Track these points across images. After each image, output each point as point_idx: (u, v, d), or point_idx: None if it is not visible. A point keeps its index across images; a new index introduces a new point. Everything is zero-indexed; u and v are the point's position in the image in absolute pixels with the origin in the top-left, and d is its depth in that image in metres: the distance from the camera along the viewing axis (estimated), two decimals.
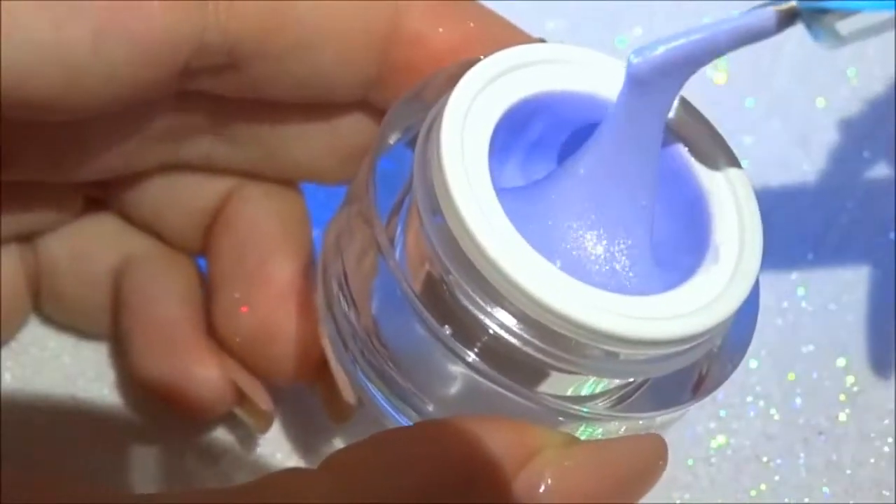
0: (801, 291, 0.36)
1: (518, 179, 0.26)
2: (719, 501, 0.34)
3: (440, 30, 0.27)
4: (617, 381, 0.26)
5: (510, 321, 0.23)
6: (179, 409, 0.31)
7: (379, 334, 0.26)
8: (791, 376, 0.35)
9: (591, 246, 0.25)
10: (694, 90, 0.38)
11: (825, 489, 0.34)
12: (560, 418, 0.25)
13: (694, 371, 0.26)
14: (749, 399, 0.35)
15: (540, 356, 0.24)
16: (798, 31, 0.39)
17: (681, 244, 0.25)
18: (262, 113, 0.29)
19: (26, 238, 0.31)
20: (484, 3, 0.28)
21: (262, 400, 0.31)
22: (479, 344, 0.24)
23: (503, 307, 0.23)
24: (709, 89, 0.38)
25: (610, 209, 0.25)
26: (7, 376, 0.33)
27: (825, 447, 0.34)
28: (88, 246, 0.32)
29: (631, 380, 0.26)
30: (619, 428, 0.26)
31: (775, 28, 0.23)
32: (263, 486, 0.22)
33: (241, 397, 0.31)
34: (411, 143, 0.25)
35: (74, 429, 0.33)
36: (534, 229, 0.24)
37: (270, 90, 0.28)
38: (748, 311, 0.25)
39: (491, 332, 0.24)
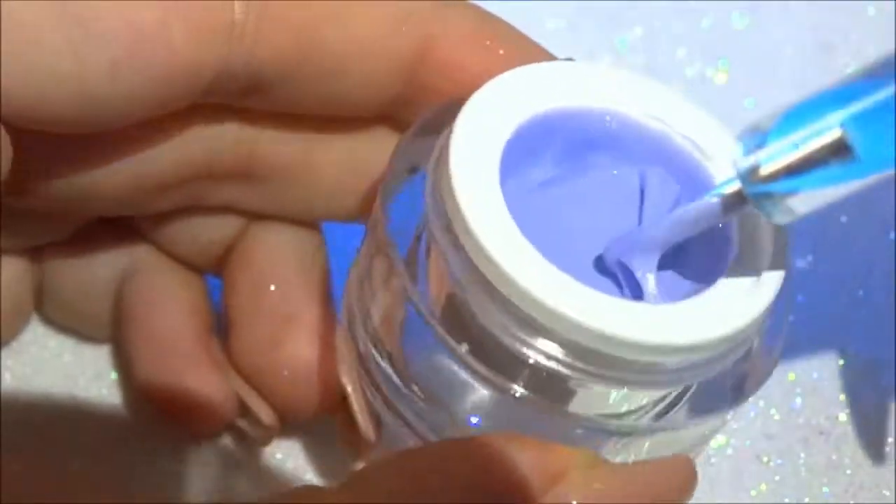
0: (800, 292, 0.36)
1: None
2: (719, 501, 0.34)
3: (470, 61, 0.27)
4: (653, 395, 0.25)
5: (553, 349, 0.23)
6: (181, 421, 0.31)
7: (407, 370, 0.25)
8: (791, 376, 0.35)
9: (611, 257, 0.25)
10: (694, 90, 0.38)
11: (825, 489, 0.34)
12: (598, 436, 0.24)
13: (735, 373, 0.25)
14: (749, 399, 0.34)
15: (584, 377, 0.23)
16: (797, 31, 0.39)
17: (703, 250, 0.25)
18: (288, 156, 0.29)
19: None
20: (484, 3, 0.28)
21: (265, 413, 0.31)
22: (512, 370, 0.24)
23: (543, 336, 0.23)
24: (709, 89, 0.38)
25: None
26: (7, 376, 0.33)
27: (825, 447, 0.34)
28: (93, 253, 0.32)
29: (667, 392, 0.26)
30: (663, 443, 0.25)
31: (723, 215, 0.23)
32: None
33: (244, 410, 0.31)
34: (422, 174, 0.25)
35: (74, 429, 0.33)
36: (549, 240, 0.24)
37: (291, 107, 0.28)
38: (779, 304, 0.25)
39: (531, 361, 0.23)
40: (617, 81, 0.26)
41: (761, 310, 0.24)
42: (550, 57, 0.28)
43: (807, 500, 0.34)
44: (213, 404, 0.31)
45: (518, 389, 0.23)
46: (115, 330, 0.33)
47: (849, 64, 0.39)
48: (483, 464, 0.22)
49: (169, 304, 0.31)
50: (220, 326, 0.32)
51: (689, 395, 0.26)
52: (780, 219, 0.23)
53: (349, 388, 0.28)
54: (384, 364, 0.26)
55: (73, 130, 0.25)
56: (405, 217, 0.25)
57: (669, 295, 0.25)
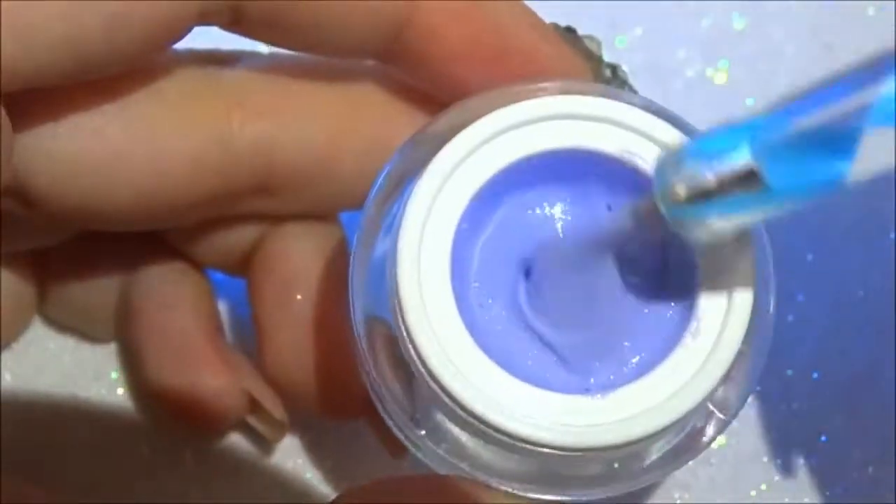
0: (800, 291, 0.36)
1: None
2: (719, 501, 0.34)
3: (453, 27, 0.27)
4: None
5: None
6: (193, 420, 0.31)
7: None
8: (790, 376, 0.35)
9: (556, 337, 0.25)
10: (694, 90, 0.38)
11: (825, 489, 0.34)
12: None
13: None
14: (749, 399, 0.34)
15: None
16: (797, 31, 0.39)
17: (665, 313, 0.25)
18: (305, 160, 0.29)
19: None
20: None
21: (276, 409, 0.31)
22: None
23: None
24: (709, 89, 0.38)
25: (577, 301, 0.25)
26: (7, 376, 0.33)
27: (825, 447, 0.34)
28: (98, 253, 0.32)
29: None
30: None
31: (637, 228, 0.24)
32: None
33: (255, 406, 0.31)
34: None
35: (74, 429, 0.33)
36: (495, 322, 0.25)
37: (275, 44, 0.28)
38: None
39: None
40: (594, 113, 0.25)
41: (691, 406, 0.24)
42: (542, 22, 0.28)
43: (807, 500, 0.34)
44: (223, 401, 0.31)
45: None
46: (122, 330, 0.33)
47: (849, 64, 0.39)
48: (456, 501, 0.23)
49: (176, 304, 0.31)
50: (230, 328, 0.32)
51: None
52: (701, 238, 0.23)
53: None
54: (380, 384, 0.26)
55: (71, 83, 0.25)
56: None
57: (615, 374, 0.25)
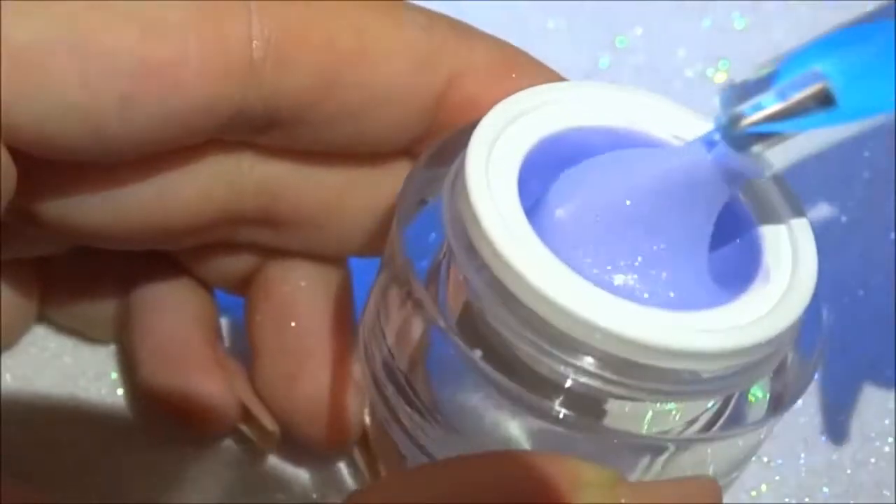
0: None
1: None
2: None
3: (493, 98, 0.26)
4: (686, 415, 0.25)
5: (590, 365, 0.22)
6: (185, 424, 0.31)
7: (431, 403, 0.25)
8: None
9: (637, 266, 0.24)
10: (694, 90, 0.38)
11: (825, 489, 0.34)
12: (627, 457, 0.24)
13: (771, 388, 0.25)
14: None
15: (620, 391, 0.23)
16: (797, 31, 0.39)
17: (729, 268, 0.25)
18: (310, 203, 0.28)
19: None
20: (487, 3, 0.28)
21: (267, 419, 0.31)
22: (543, 393, 0.23)
23: (580, 353, 0.22)
24: (709, 89, 0.38)
25: (658, 231, 0.24)
26: (7, 376, 0.33)
27: (825, 447, 0.34)
28: (99, 260, 0.32)
29: (700, 412, 0.26)
30: (698, 465, 0.25)
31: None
32: None
33: (248, 415, 0.31)
34: (433, 204, 0.25)
35: (74, 429, 0.33)
36: (575, 254, 0.24)
37: (309, 145, 0.27)
38: (812, 320, 0.25)
39: (570, 381, 0.23)
40: (640, 101, 0.26)
41: (793, 319, 0.24)
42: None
43: (807, 500, 0.34)
44: (216, 408, 0.30)
45: (558, 409, 0.23)
46: (120, 333, 0.33)
47: None
48: (516, 472, 0.22)
49: (175, 309, 0.31)
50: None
51: (724, 417, 0.26)
52: (755, 172, 0.23)
53: (368, 422, 0.28)
54: (404, 394, 0.25)
55: (83, 160, 0.25)
56: (416, 249, 0.24)
57: (697, 299, 0.24)
